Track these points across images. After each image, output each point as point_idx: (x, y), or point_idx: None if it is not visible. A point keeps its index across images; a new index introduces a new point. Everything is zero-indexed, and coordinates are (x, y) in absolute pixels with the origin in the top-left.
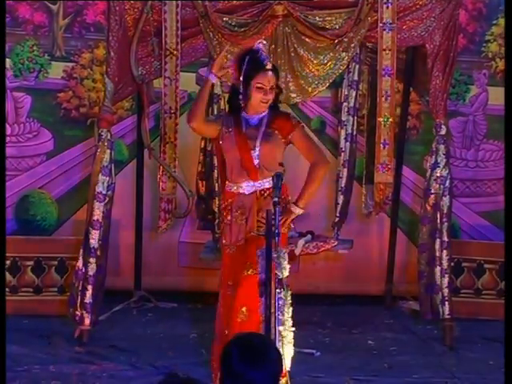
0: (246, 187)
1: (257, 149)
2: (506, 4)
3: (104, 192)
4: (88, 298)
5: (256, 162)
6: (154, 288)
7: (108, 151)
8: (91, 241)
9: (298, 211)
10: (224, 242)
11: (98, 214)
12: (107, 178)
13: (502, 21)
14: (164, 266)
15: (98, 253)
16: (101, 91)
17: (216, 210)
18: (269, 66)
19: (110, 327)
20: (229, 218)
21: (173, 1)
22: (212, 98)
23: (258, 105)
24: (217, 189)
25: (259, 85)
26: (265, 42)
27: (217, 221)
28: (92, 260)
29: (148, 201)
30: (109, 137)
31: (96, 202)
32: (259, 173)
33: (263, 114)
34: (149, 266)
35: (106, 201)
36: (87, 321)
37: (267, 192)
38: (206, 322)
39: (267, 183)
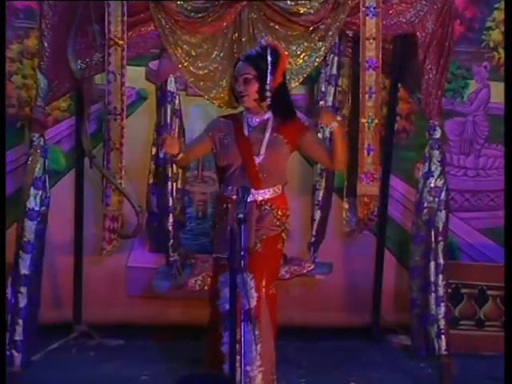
0: None
1: (261, 156)
2: None
3: (37, 208)
4: (18, 335)
5: (259, 169)
6: (98, 322)
7: (41, 160)
8: (22, 266)
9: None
10: (214, 254)
11: (29, 235)
12: (40, 192)
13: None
14: (109, 296)
15: (30, 281)
16: (32, 89)
17: (170, 228)
18: (242, 57)
19: (44, 369)
20: (222, 225)
21: None
22: (166, 96)
23: (238, 98)
24: (171, 203)
25: (234, 74)
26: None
27: (171, 242)
28: (23, 289)
29: (90, 218)
30: (42, 143)
31: (27, 221)
32: (262, 181)
33: (265, 116)
34: (91, 296)
35: (40, 219)
36: (18, 361)
37: (269, 203)
38: (159, 362)
39: (269, 193)
